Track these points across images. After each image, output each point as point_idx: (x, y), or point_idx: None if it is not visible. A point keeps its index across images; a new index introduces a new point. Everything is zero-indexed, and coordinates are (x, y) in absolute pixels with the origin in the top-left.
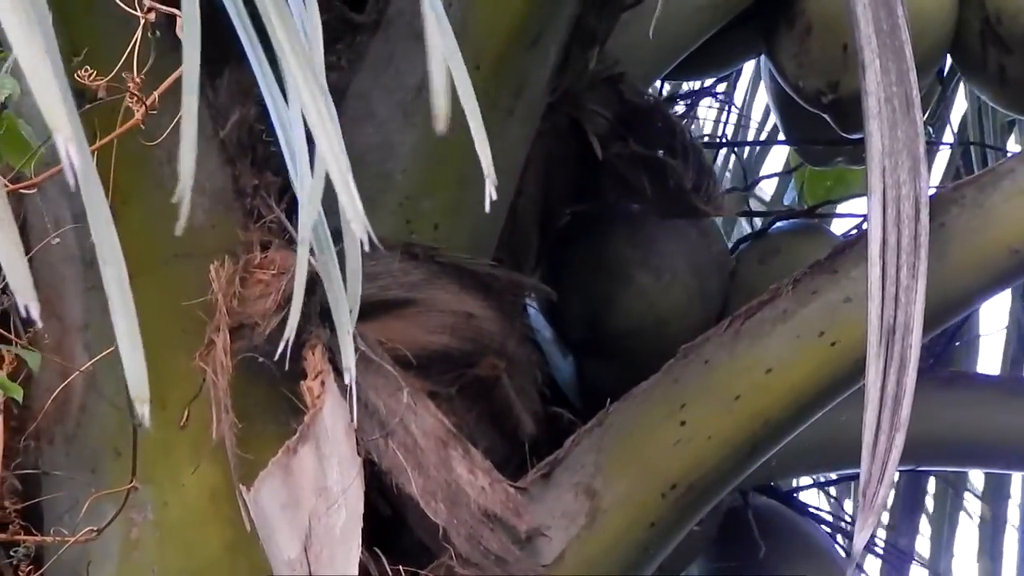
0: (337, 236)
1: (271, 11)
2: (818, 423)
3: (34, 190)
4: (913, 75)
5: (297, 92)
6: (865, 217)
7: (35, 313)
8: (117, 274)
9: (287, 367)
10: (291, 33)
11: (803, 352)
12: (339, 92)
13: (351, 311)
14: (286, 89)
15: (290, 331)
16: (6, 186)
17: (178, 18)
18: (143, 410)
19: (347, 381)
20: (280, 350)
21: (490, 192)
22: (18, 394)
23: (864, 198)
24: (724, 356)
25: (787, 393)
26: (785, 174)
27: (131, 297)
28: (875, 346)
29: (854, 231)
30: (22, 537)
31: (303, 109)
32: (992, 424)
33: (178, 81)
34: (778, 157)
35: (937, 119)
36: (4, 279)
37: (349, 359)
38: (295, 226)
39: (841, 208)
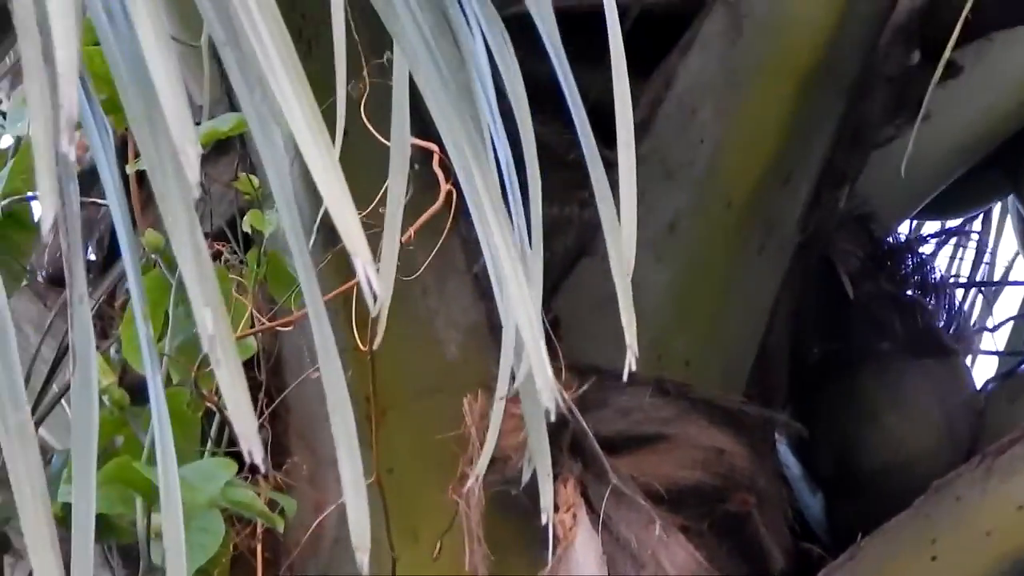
0: (584, 371)
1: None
2: None
3: (296, 326)
4: None
5: (498, 266)
6: None
7: (258, 459)
8: (344, 422)
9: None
10: (501, 214)
11: None
12: (594, 227)
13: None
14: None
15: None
16: (263, 323)
17: (435, 154)
18: (363, 559)
19: (545, 522)
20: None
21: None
22: (280, 525)
23: None
24: (975, 493)
25: None
26: None
27: (357, 445)
28: None
29: None
30: None
31: (500, 273)
32: None
33: (434, 217)
34: None
35: None
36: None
37: (548, 501)
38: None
39: None
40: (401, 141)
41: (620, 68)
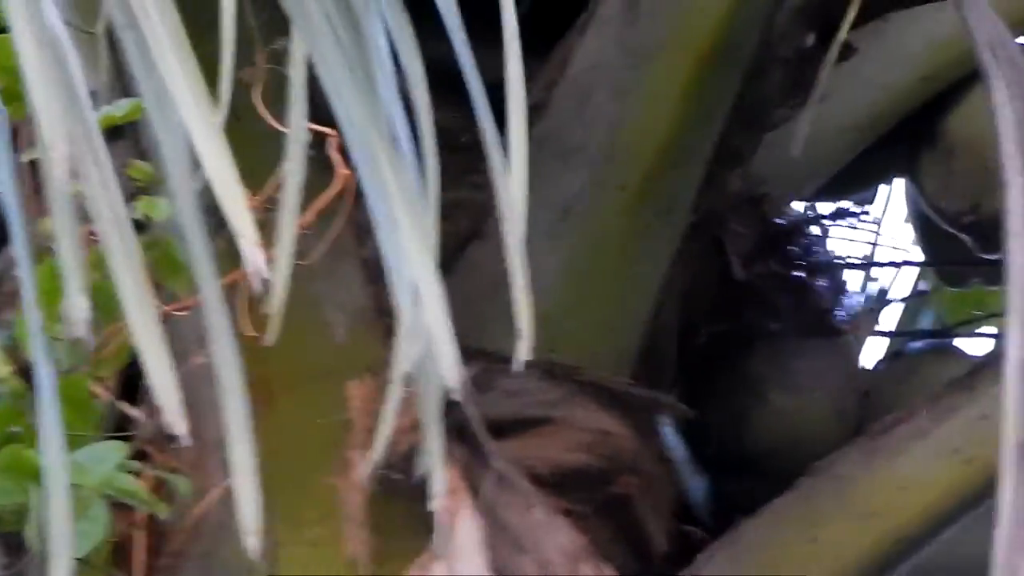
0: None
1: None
2: (948, 542)
3: (187, 312)
4: None
5: (399, 256)
6: (1002, 336)
7: (182, 431)
8: (237, 405)
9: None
10: (407, 196)
11: (938, 469)
12: (486, 211)
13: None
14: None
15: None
16: (161, 308)
17: (329, 137)
18: (252, 542)
19: (434, 506)
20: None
21: None
22: (163, 512)
23: (1001, 319)
24: (858, 473)
25: (922, 511)
26: (922, 294)
27: (250, 431)
28: (1010, 464)
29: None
30: None
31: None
32: None
33: (330, 202)
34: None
35: None
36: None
37: (439, 486)
38: None
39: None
40: (299, 124)
41: (513, 49)
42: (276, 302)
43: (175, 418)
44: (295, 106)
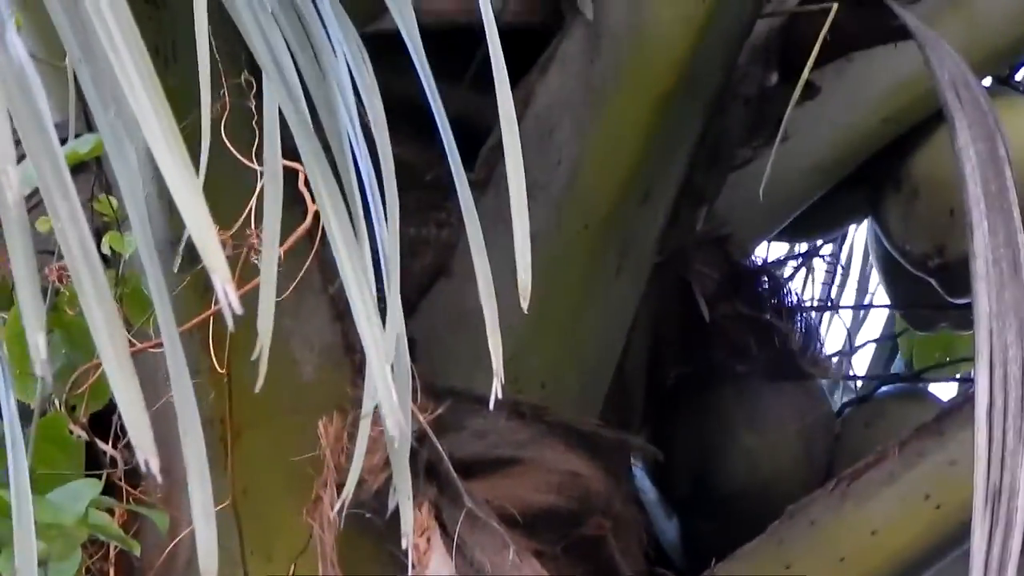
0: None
1: (331, 218)
2: None
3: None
4: (1021, 236)
5: (349, 282)
6: (971, 380)
7: (155, 468)
8: (196, 446)
9: (394, 523)
10: (344, 229)
11: (908, 514)
12: (450, 248)
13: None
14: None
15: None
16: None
17: (300, 172)
18: None
19: (405, 546)
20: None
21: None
22: (136, 549)
23: (969, 363)
24: (830, 517)
25: (892, 555)
26: (890, 339)
27: (208, 470)
28: (980, 509)
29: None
30: None
31: (354, 303)
32: None
33: (299, 239)
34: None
35: None
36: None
37: (408, 525)
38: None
39: (947, 373)
40: (274, 161)
41: (504, 90)
42: (264, 340)
43: (148, 455)
44: (269, 143)
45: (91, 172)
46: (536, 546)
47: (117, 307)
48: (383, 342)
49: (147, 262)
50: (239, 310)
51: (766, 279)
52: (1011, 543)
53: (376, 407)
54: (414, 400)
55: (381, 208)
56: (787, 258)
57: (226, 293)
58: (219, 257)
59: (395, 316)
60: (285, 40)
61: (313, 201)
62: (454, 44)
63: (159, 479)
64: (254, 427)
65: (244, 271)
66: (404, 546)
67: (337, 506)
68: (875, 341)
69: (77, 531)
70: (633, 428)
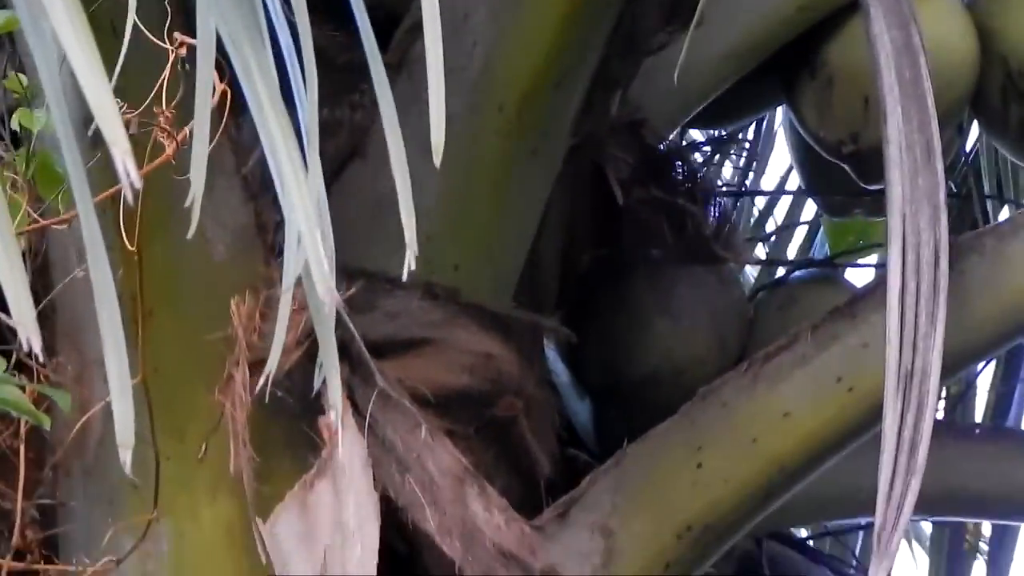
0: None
1: (253, 68)
2: (836, 471)
3: (65, 225)
4: (935, 124)
5: (273, 146)
6: (884, 265)
7: (36, 347)
8: (112, 321)
9: (305, 402)
10: (270, 86)
11: (821, 397)
12: (363, 130)
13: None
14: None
15: (318, 378)
16: (38, 222)
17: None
18: (125, 456)
19: (332, 419)
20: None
21: None
22: (46, 423)
23: (882, 249)
24: (742, 399)
25: (804, 438)
26: (804, 224)
27: (123, 342)
28: (892, 392)
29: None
30: (42, 566)
31: (280, 168)
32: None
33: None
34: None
35: (959, 172)
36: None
37: (336, 398)
38: None
39: (859, 259)
40: (207, 42)
41: None
42: (195, 217)
43: (30, 333)
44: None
45: (4, 51)
46: (448, 426)
47: (28, 184)
48: (311, 208)
49: (62, 136)
50: (138, 184)
51: (680, 164)
52: (922, 425)
53: (297, 283)
54: None
55: (301, 81)
56: (702, 144)
57: (125, 166)
58: (119, 132)
59: (315, 183)
60: None
61: (222, 81)
62: None
63: (41, 357)
64: (166, 307)
65: (155, 151)
66: (332, 418)
67: (261, 382)
68: (789, 225)
69: None
70: (547, 311)
